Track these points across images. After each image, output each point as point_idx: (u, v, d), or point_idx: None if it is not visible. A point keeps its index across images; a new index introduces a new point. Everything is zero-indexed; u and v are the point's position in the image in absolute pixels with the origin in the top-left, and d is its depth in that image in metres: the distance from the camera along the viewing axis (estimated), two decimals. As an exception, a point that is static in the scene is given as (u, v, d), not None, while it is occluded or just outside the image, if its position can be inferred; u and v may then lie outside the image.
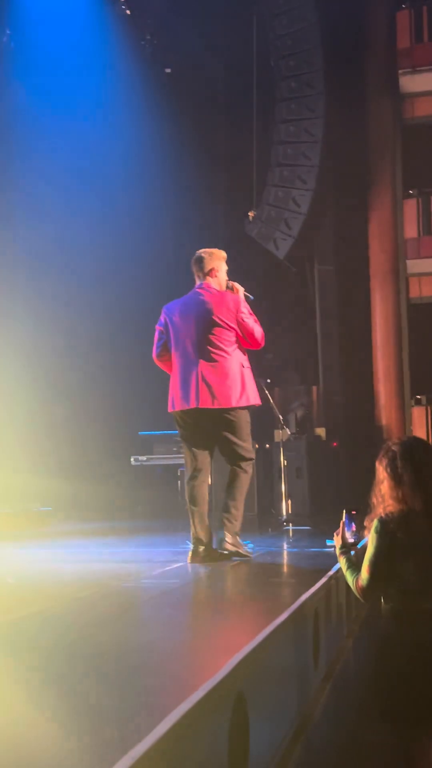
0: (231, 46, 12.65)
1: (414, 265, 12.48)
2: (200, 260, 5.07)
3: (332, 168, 12.25)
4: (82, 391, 11.12)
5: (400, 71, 12.72)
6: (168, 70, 12.38)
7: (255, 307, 5.19)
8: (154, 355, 5.14)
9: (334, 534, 3.40)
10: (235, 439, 4.98)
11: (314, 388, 12.48)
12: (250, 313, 5.01)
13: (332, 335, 12.61)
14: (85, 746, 1.62)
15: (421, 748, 3.00)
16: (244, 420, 5.01)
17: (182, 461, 10.91)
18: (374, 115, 12.79)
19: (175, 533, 7.62)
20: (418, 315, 12.66)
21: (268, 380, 8.08)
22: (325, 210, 12.56)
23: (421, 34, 12.82)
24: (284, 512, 8.56)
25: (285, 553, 5.75)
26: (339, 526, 3.36)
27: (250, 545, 5.41)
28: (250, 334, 4.92)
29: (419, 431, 11.83)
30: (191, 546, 4.97)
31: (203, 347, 4.88)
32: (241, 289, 5.11)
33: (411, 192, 12.58)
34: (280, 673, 2.91)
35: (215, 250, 5.17)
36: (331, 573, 4.11)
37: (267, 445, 9.84)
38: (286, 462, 8.90)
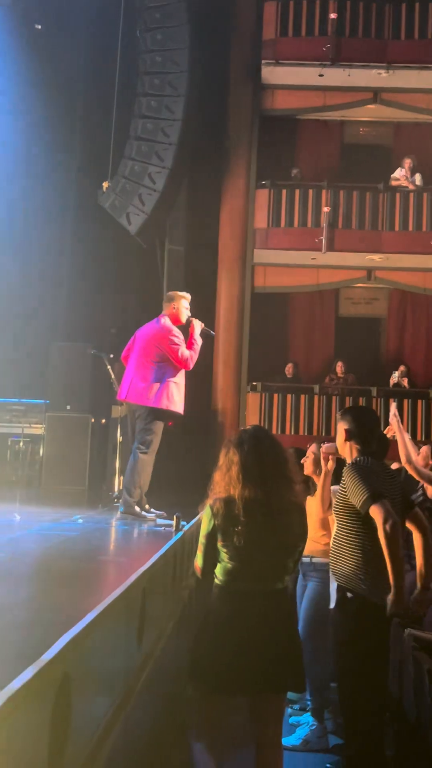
0: (99, 9, 12.32)
1: (261, 255, 12.75)
2: (168, 298, 6.49)
3: (190, 149, 12.25)
4: None
5: (263, 61, 12.89)
6: (38, 27, 11.93)
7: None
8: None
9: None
10: (139, 430, 6.30)
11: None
12: (181, 343, 6.17)
13: (176, 315, 12.66)
14: None
15: (214, 704, 3.33)
16: (153, 418, 6.20)
17: (13, 430, 10.72)
18: (235, 101, 12.91)
19: (1, 503, 7.43)
20: (260, 304, 12.97)
21: (111, 355, 8.03)
22: (180, 191, 12.57)
23: (286, 27, 13.03)
24: (115, 488, 8.54)
25: (114, 530, 5.76)
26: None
27: (79, 520, 6.03)
28: (175, 358, 6.12)
29: (253, 416, 12.16)
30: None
31: (141, 358, 6.21)
32: (198, 326, 6.31)
33: (264, 183, 12.81)
34: (105, 651, 2.92)
35: (180, 293, 6.49)
36: (159, 553, 4.15)
37: (103, 421, 9.77)
38: (121, 438, 8.87)
